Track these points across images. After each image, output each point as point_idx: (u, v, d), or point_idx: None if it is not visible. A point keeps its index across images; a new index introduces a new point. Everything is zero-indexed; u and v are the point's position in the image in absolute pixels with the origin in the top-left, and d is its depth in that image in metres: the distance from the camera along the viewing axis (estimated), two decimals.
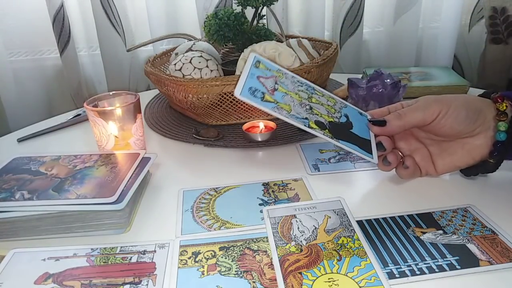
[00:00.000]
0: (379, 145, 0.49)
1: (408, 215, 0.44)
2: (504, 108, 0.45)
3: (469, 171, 0.50)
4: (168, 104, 0.80)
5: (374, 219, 0.44)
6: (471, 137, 0.47)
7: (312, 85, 0.51)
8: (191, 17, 1.14)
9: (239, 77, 0.46)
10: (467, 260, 0.38)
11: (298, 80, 0.50)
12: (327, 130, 0.46)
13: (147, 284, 0.37)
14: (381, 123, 0.48)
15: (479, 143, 0.47)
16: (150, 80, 0.73)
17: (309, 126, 0.45)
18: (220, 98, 0.65)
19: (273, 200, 0.49)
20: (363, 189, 0.51)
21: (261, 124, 0.64)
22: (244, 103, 0.63)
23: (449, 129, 0.46)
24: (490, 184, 0.49)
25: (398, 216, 0.44)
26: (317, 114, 0.47)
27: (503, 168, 0.47)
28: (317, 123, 0.46)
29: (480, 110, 0.46)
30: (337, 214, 0.45)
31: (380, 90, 0.63)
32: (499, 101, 0.46)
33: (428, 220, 0.44)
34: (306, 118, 0.46)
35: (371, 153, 0.48)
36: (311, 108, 0.47)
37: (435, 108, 0.46)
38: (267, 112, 0.45)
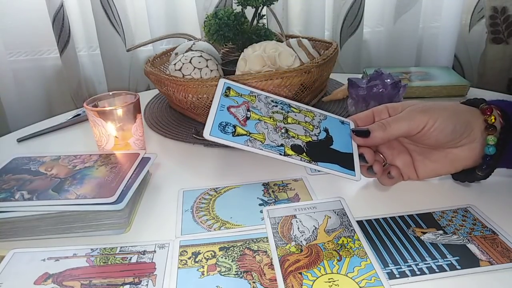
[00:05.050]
0: (361, 157, 0.47)
1: (408, 215, 0.44)
2: (493, 121, 0.44)
3: (457, 176, 0.49)
4: (168, 104, 0.80)
5: (374, 219, 0.44)
6: (455, 148, 0.46)
7: (288, 101, 0.49)
8: (191, 17, 1.14)
9: (208, 114, 0.43)
10: (468, 260, 0.38)
11: (273, 100, 0.48)
12: (304, 154, 0.44)
13: (147, 285, 0.37)
14: (365, 133, 0.46)
15: (463, 155, 0.46)
16: (150, 80, 0.73)
17: (284, 154, 0.43)
18: None
19: (273, 200, 0.49)
20: (363, 189, 0.51)
21: None
22: None
23: (434, 141, 0.45)
24: (490, 184, 0.49)
25: (398, 216, 0.44)
26: (294, 137, 0.45)
27: (503, 169, 0.47)
28: (294, 147, 0.44)
29: (468, 123, 0.45)
30: (337, 214, 0.45)
31: (380, 90, 0.63)
32: (488, 113, 0.45)
33: (428, 220, 0.44)
34: (282, 145, 0.44)
35: (353, 168, 0.46)
36: (287, 131, 0.45)
37: (421, 120, 0.44)
38: (240, 149, 0.42)
